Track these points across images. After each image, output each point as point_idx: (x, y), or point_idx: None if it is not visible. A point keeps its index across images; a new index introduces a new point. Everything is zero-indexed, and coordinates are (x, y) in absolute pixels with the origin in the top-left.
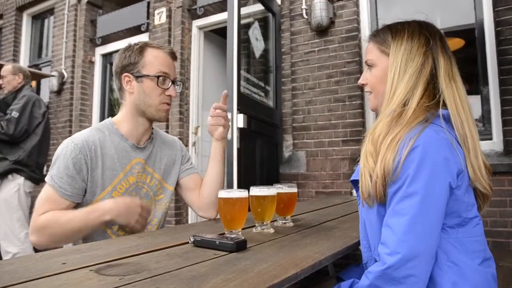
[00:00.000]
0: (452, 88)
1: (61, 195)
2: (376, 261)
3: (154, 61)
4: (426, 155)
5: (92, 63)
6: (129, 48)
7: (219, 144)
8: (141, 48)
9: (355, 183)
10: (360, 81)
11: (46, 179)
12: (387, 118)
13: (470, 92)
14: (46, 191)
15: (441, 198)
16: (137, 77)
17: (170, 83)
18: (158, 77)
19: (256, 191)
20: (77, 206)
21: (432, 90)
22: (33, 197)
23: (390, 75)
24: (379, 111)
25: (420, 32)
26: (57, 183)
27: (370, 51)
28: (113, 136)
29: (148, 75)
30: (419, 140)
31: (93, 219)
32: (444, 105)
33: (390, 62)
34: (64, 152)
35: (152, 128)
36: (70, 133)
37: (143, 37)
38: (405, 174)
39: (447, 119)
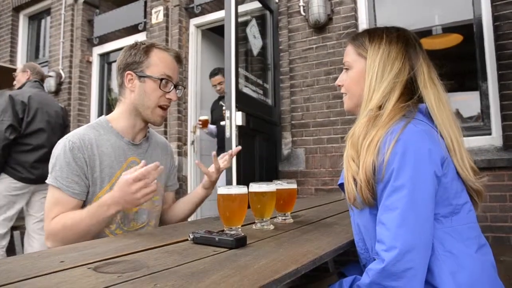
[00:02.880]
0: (435, 93)
1: (70, 194)
2: (375, 260)
3: (159, 63)
4: (407, 148)
5: (89, 63)
6: (135, 46)
7: (206, 193)
8: (147, 48)
9: (343, 186)
10: (337, 82)
11: (49, 181)
12: (364, 119)
13: (469, 87)
14: (52, 194)
15: (428, 188)
16: (140, 77)
17: (172, 87)
18: (161, 79)
19: (255, 187)
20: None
21: (409, 93)
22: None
23: (368, 79)
24: (356, 114)
25: (398, 37)
26: (63, 183)
27: (347, 53)
28: (109, 134)
29: (152, 76)
30: (399, 135)
31: (98, 216)
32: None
33: (367, 66)
34: (63, 152)
35: (148, 127)
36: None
37: (141, 36)
38: (390, 169)
39: (426, 113)
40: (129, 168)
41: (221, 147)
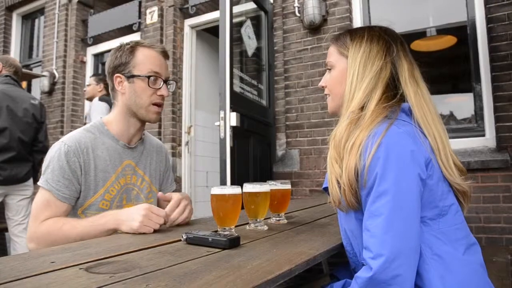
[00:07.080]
0: (416, 92)
1: (59, 198)
2: (363, 265)
3: (145, 60)
4: (390, 152)
5: (83, 63)
6: (120, 48)
7: None
8: (132, 48)
9: (327, 190)
10: (320, 83)
11: (40, 183)
12: (346, 121)
13: (462, 89)
14: (42, 196)
15: (413, 192)
16: (128, 78)
17: (162, 83)
18: (149, 77)
19: (249, 187)
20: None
21: (391, 93)
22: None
23: (349, 79)
24: (339, 114)
25: (380, 36)
26: (54, 186)
27: (330, 54)
28: (104, 137)
29: (139, 75)
30: (382, 139)
31: (96, 228)
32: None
33: (348, 65)
34: (57, 155)
35: (143, 129)
36: (62, 134)
37: (135, 37)
38: (373, 174)
39: (409, 112)
40: (124, 172)
41: None
